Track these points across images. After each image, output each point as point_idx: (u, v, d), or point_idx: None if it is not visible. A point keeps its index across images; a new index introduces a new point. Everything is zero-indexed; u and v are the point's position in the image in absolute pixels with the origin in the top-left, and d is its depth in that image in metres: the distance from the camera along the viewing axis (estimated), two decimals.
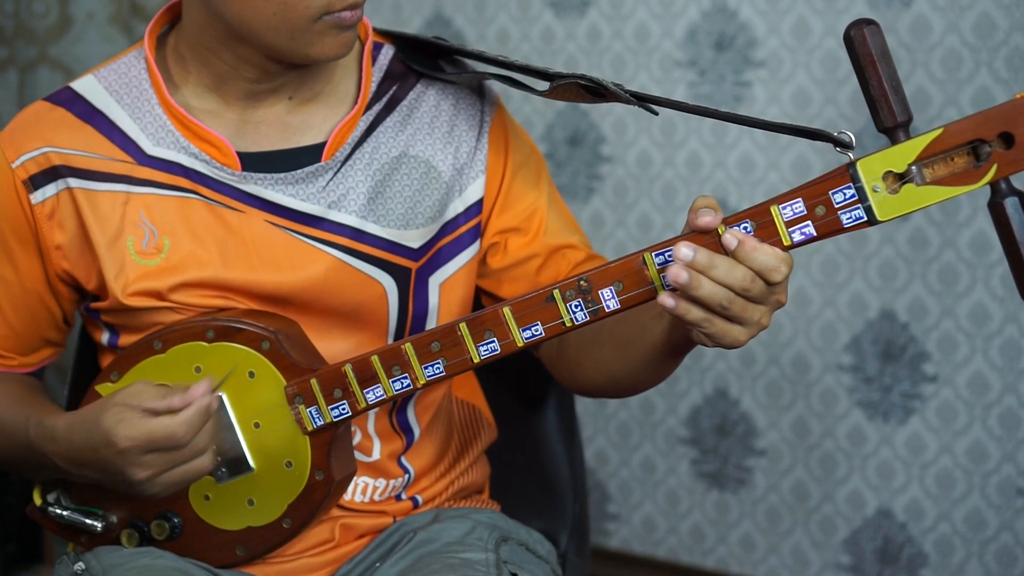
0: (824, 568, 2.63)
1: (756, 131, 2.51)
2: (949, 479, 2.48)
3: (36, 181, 1.48)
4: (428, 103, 1.54)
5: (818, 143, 2.46)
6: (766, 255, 1.23)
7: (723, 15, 2.53)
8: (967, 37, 2.33)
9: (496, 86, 1.58)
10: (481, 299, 1.61)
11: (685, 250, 1.23)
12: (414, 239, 1.51)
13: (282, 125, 1.50)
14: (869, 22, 1.19)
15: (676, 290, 1.24)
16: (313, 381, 1.42)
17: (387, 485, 1.57)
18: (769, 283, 1.24)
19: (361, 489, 1.56)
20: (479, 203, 1.55)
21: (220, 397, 1.44)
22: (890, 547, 2.55)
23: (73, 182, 1.48)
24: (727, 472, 2.69)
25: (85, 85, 1.53)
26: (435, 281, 1.53)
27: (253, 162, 1.48)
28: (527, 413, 1.81)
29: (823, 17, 2.44)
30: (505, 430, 1.76)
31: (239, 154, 1.48)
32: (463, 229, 1.54)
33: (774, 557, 2.67)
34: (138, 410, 1.37)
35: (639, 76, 2.61)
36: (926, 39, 2.35)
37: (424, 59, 1.56)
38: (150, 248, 1.47)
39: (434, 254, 1.52)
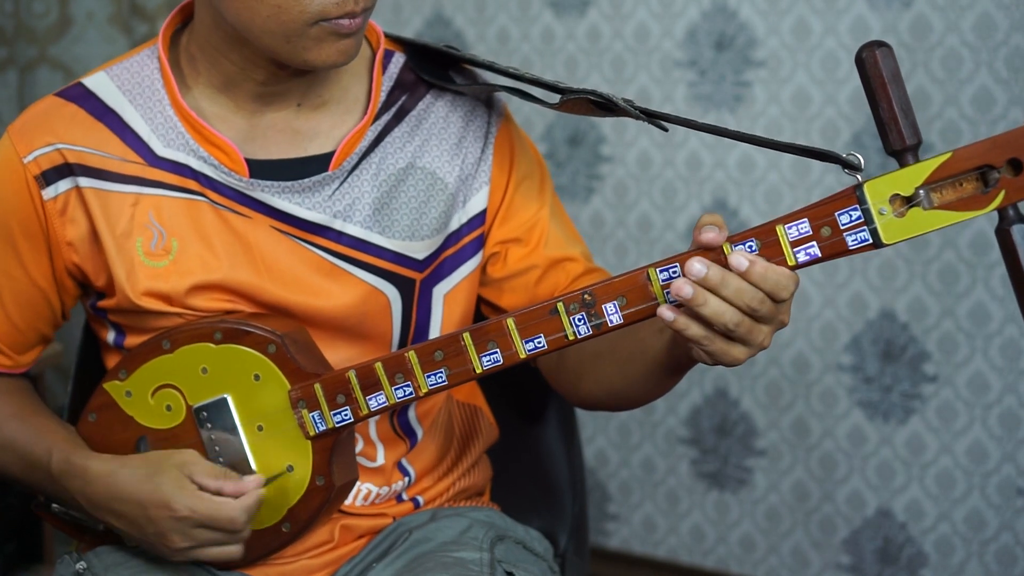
0: (824, 568, 2.63)
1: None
2: (949, 479, 2.48)
3: (48, 177, 1.48)
4: (437, 114, 1.54)
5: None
6: (776, 274, 1.23)
7: (723, 15, 2.53)
8: (967, 37, 2.33)
9: (504, 96, 1.58)
10: (481, 307, 1.61)
11: (698, 265, 1.23)
12: (419, 250, 1.51)
13: (291, 132, 1.50)
14: (881, 44, 1.19)
15: (680, 304, 1.24)
16: (317, 386, 1.42)
17: (389, 490, 1.57)
18: (777, 301, 1.24)
19: (363, 495, 1.56)
20: (482, 214, 1.54)
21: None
22: (890, 547, 2.55)
23: (84, 181, 1.47)
24: (727, 472, 2.69)
25: (97, 82, 1.52)
26: (439, 292, 1.53)
27: (261, 169, 1.48)
28: (526, 413, 1.81)
29: (823, 17, 2.44)
30: (504, 430, 1.76)
31: (247, 161, 1.48)
32: (466, 240, 1.54)
33: (774, 557, 2.68)
34: (194, 481, 1.40)
35: (639, 76, 2.61)
36: (926, 39, 2.35)
37: (435, 69, 1.55)
38: (158, 249, 1.47)
39: (438, 265, 1.52)
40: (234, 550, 1.43)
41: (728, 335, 1.24)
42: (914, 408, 2.49)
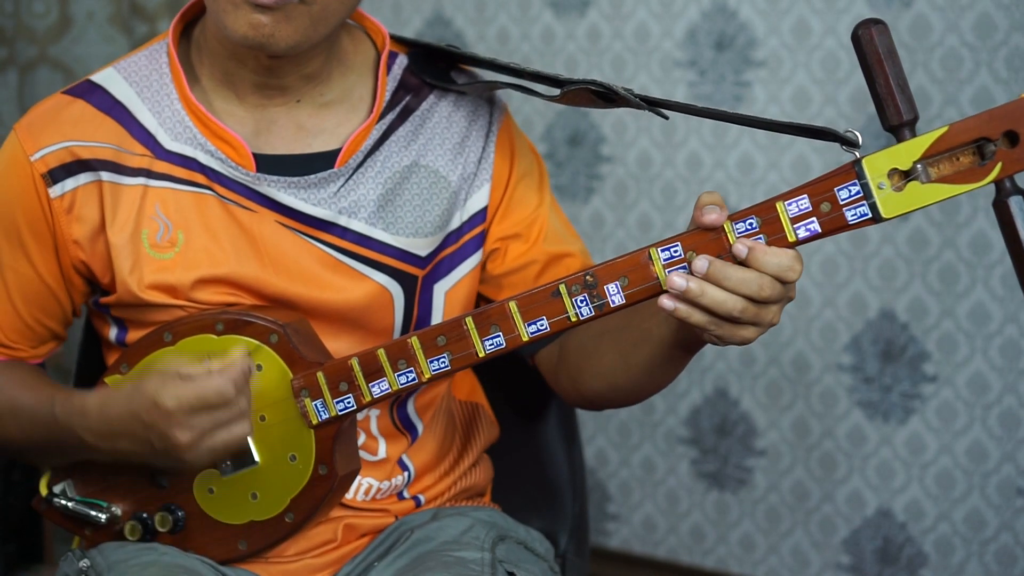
0: (824, 568, 2.63)
1: (756, 131, 2.51)
2: (949, 479, 2.48)
3: (56, 175, 1.48)
4: (441, 114, 1.55)
5: (819, 142, 2.47)
6: (778, 256, 1.24)
7: (723, 15, 2.53)
8: (967, 37, 2.33)
9: (505, 94, 1.59)
10: (481, 305, 1.61)
11: (700, 262, 1.25)
12: (422, 247, 1.52)
13: (296, 128, 1.51)
14: (876, 21, 1.20)
15: None
16: (319, 374, 1.42)
17: (390, 485, 1.57)
18: (785, 282, 1.25)
19: (364, 489, 1.56)
20: (483, 211, 1.56)
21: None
22: (890, 547, 2.55)
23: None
24: (727, 472, 2.69)
25: (105, 77, 1.53)
26: (440, 289, 1.54)
27: (267, 164, 1.49)
28: (527, 413, 1.81)
29: (823, 17, 2.45)
30: (505, 430, 1.76)
31: (255, 155, 1.49)
32: (467, 237, 1.55)
33: (774, 557, 2.67)
34: (178, 375, 1.37)
35: (639, 76, 2.61)
36: (926, 39, 2.36)
37: (436, 70, 1.57)
38: (164, 242, 1.48)
39: (439, 262, 1.53)
40: (240, 428, 1.39)
41: (736, 321, 1.25)
42: (914, 408, 2.49)
